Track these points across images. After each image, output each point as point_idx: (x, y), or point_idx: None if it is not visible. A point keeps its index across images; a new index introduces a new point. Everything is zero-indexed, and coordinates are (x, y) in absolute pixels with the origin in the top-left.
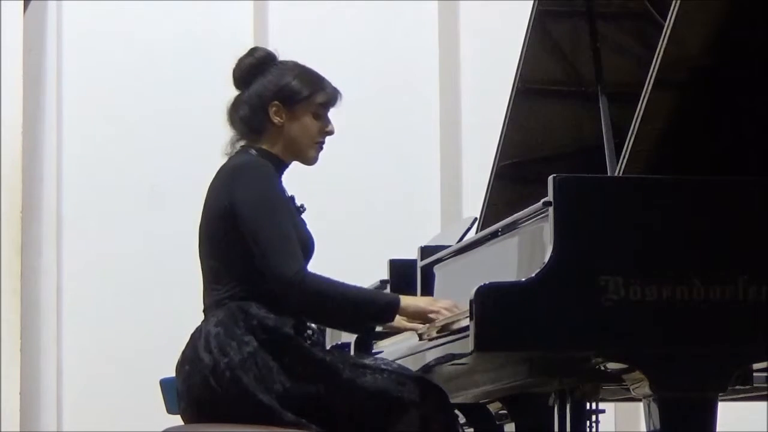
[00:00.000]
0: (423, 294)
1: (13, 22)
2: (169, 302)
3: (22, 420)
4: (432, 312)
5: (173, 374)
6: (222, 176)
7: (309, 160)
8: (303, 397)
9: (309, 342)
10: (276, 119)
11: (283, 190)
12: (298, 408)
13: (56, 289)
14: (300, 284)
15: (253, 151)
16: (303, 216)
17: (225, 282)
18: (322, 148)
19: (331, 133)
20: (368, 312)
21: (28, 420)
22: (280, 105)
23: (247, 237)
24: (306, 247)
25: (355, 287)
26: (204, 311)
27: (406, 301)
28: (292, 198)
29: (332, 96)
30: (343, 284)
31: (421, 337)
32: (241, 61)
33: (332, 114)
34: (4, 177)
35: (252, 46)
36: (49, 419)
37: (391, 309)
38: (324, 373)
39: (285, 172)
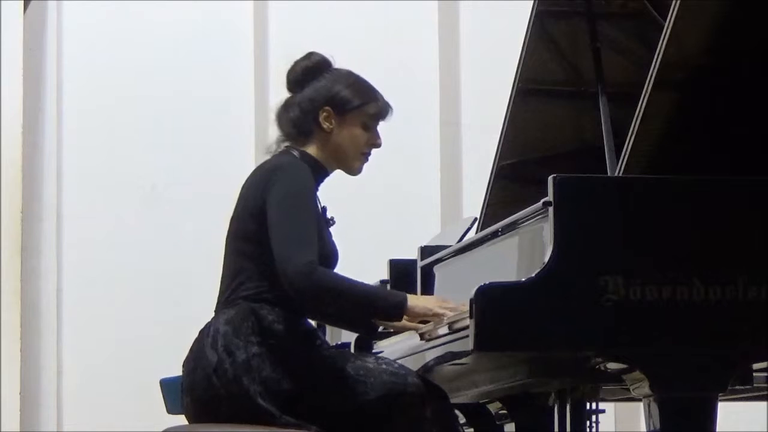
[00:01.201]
0: (423, 294)
1: (13, 22)
2: (169, 302)
3: (22, 420)
4: (438, 314)
5: (173, 374)
6: (260, 174)
7: (353, 170)
8: (304, 399)
9: (319, 341)
10: (325, 125)
11: (316, 197)
12: (298, 410)
13: (56, 289)
14: (309, 275)
15: (296, 153)
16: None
17: (244, 281)
18: (367, 160)
19: (378, 146)
20: (376, 309)
21: (28, 420)
22: (331, 111)
23: (269, 231)
24: (329, 259)
25: (363, 284)
26: (216, 306)
27: (413, 301)
28: (324, 209)
29: (383, 109)
30: (351, 280)
31: (422, 336)
32: (296, 64)
33: None
34: (4, 176)
35: (253, 46)
36: (49, 419)
37: (398, 308)
38: (326, 375)
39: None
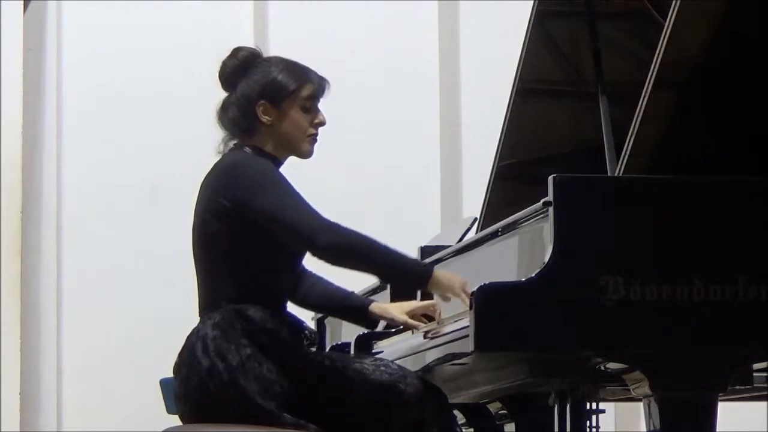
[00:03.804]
0: (423, 296)
1: (13, 22)
2: (169, 302)
3: (22, 420)
4: (457, 294)
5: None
6: (217, 174)
7: (304, 154)
8: (302, 399)
9: (307, 342)
10: (265, 118)
11: (281, 173)
12: (297, 410)
13: (56, 290)
14: (335, 229)
15: (248, 149)
16: None
17: (220, 282)
18: (316, 141)
19: (322, 123)
20: (404, 266)
21: (28, 420)
22: (266, 103)
23: (266, 221)
24: None
25: (385, 246)
26: (200, 312)
27: (437, 275)
28: None
29: (319, 87)
30: (372, 239)
31: (426, 335)
32: (224, 63)
33: (329, 107)
34: (4, 177)
35: (250, 46)
36: (49, 419)
37: (425, 272)
38: (323, 374)
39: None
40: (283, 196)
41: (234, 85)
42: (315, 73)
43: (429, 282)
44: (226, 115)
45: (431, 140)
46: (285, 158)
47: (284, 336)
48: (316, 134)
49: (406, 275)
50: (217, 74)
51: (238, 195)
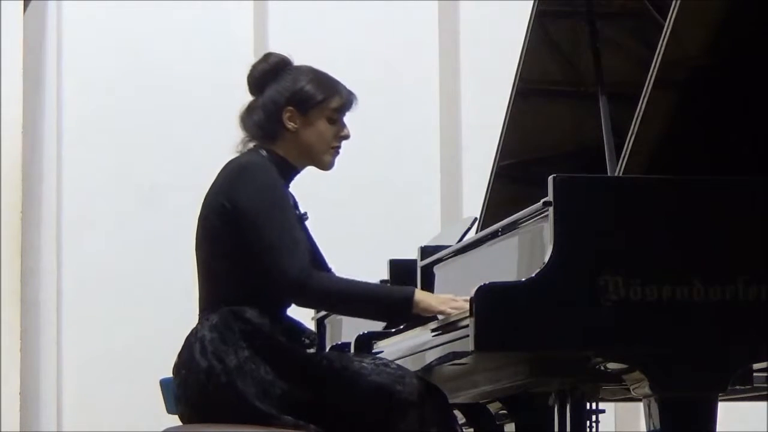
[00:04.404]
0: None
1: (13, 22)
2: (168, 302)
3: (22, 420)
4: (442, 312)
5: None
6: (227, 172)
7: (325, 166)
8: (301, 400)
9: (307, 342)
10: (290, 125)
11: (288, 195)
12: (296, 411)
13: (56, 290)
14: (304, 285)
15: (264, 152)
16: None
17: (219, 281)
18: (338, 153)
19: (346, 137)
20: (379, 310)
21: (28, 420)
22: (294, 110)
23: (252, 237)
24: (312, 255)
25: (365, 284)
26: (199, 313)
27: (419, 296)
28: (295, 204)
29: (347, 100)
30: (350, 281)
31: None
32: (254, 67)
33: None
34: (4, 177)
35: (253, 46)
36: (49, 419)
37: (406, 306)
38: (322, 375)
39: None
40: (276, 227)
41: (262, 89)
42: (344, 87)
43: (411, 307)
44: (251, 117)
45: (431, 140)
46: (303, 167)
47: (282, 338)
48: (339, 147)
49: (385, 311)
50: (246, 77)
51: (238, 200)
